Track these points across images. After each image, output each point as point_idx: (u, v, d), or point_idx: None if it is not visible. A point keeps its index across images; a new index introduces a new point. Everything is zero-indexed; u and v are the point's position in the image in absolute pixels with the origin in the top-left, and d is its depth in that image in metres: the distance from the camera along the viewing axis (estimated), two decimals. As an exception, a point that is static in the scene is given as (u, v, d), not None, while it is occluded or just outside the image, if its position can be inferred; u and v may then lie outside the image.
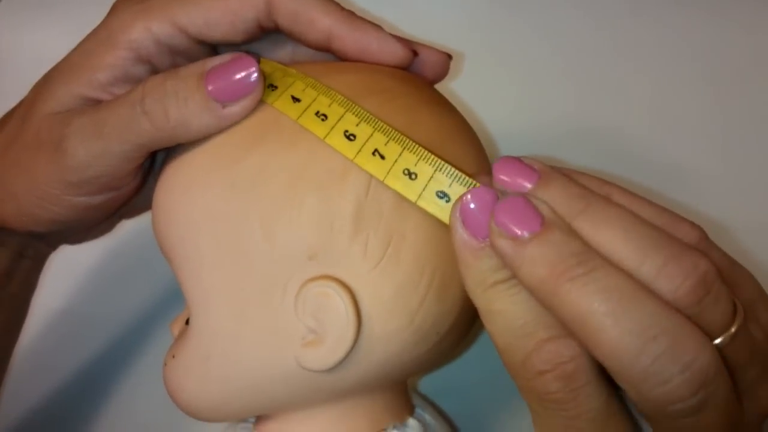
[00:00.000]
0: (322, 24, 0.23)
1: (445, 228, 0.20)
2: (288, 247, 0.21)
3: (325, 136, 0.21)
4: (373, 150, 0.21)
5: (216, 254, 0.22)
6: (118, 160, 0.23)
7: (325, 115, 0.21)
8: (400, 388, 0.27)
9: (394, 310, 0.21)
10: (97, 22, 0.38)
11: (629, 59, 0.37)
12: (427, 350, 0.23)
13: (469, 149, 0.24)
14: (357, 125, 0.21)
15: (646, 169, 0.36)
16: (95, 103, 0.23)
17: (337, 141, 0.21)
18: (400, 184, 0.20)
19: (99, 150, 0.22)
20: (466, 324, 0.24)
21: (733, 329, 0.17)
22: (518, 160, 0.20)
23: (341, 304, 0.21)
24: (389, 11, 0.38)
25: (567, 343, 0.18)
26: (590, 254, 0.17)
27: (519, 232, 0.18)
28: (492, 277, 0.19)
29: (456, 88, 0.37)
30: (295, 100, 0.22)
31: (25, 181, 0.24)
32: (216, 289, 0.22)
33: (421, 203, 0.20)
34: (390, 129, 0.21)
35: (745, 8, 0.37)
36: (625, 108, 0.37)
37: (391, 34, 0.24)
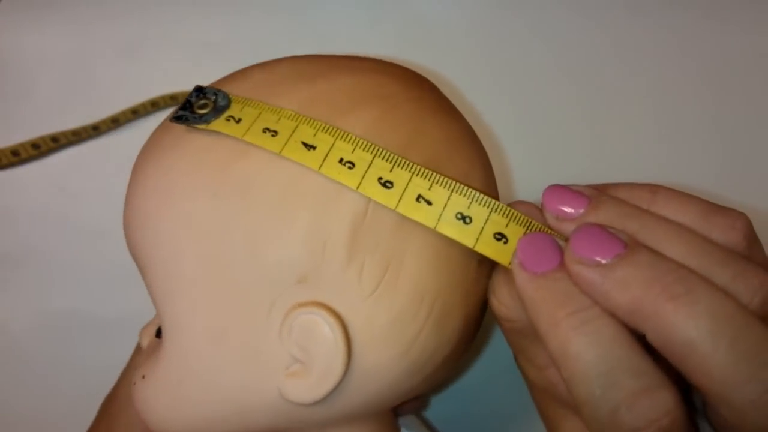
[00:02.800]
0: None
1: (447, 254, 0.19)
2: (275, 267, 0.19)
3: (320, 167, 0.19)
4: (377, 178, 0.19)
5: (195, 267, 0.20)
6: None
7: (313, 146, 0.19)
8: (388, 414, 0.25)
9: (388, 341, 0.20)
10: (97, 22, 0.38)
11: (630, 61, 0.37)
12: (422, 380, 0.21)
13: (475, 159, 0.22)
14: (353, 152, 0.19)
15: (646, 169, 0.36)
16: None
17: (334, 170, 0.19)
18: (418, 214, 0.19)
19: None
20: (462, 352, 0.23)
21: None
22: (566, 187, 0.19)
23: (330, 333, 0.19)
24: (390, 11, 0.38)
25: (663, 397, 0.16)
26: (686, 271, 0.16)
27: (603, 260, 0.17)
28: (564, 310, 0.17)
29: (458, 86, 0.37)
30: (269, 130, 0.20)
31: None
32: (193, 305, 0.20)
33: (441, 229, 0.19)
34: (391, 155, 0.19)
35: (745, 9, 0.37)
36: (627, 108, 0.37)
37: None
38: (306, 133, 0.19)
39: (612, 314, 0.17)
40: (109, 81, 0.37)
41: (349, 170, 0.19)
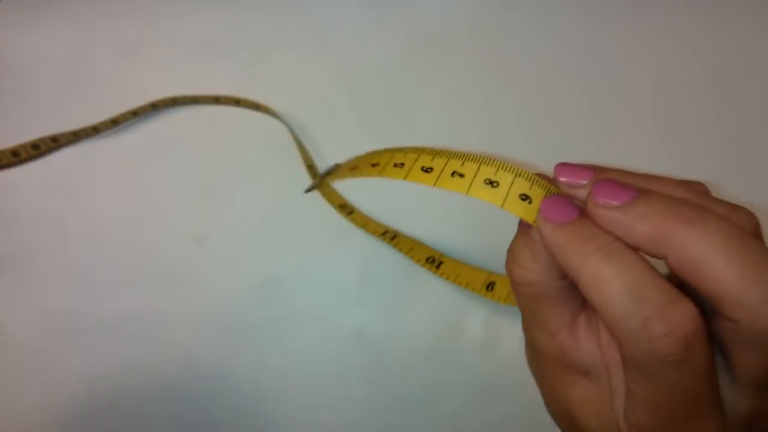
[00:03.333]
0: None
1: None
2: None
3: (406, 176, 0.23)
4: (451, 172, 0.23)
5: None
6: None
7: (402, 164, 0.23)
8: None
9: None
10: (97, 22, 0.38)
11: (631, 60, 0.37)
12: None
13: None
14: (432, 160, 0.23)
15: (649, 167, 0.36)
16: None
17: (418, 175, 0.23)
18: (485, 193, 0.22)
19: None
20: None
21: None
22: (573, 164, 0.22)
23: None
24: (393, 10, 0.38)
25: (687, 306, 0.18)
26: (694, 204, 0.19)
27: (622, 202, 0.20)
28: (591, 245, 0.20)
29: (458, 86, 0.37)
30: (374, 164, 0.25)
31: None
32: None
33: (507, 207, 0.21)
34: (463, 153, 0.23)
35: (745, 9, 0.37)
36: (628, 107, 0.37)
37: None
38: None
39: (634, 247, 0.19)
40: (109, 80, 0.37)
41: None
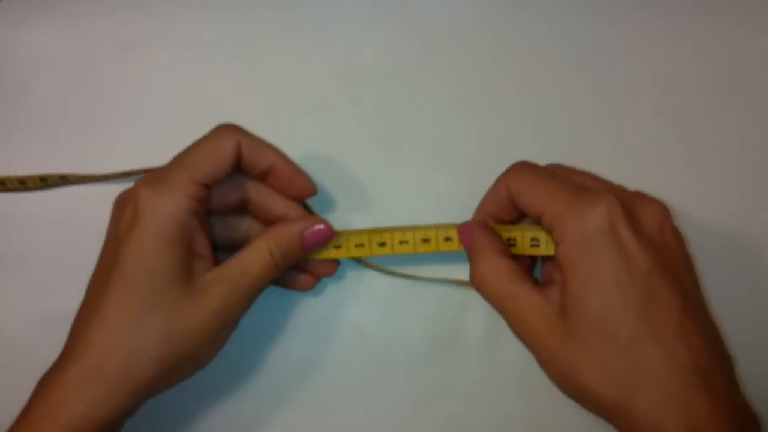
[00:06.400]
0: (268, 156, 0.30)
1: None
2: None
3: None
4: (399, 241, 0.33)
5: None
6: None
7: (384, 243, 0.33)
8: None
9: None
10: (97, 21, 0.38)
11: (635, 59, 0.37)
12: None
13: None
14: (382, 235, 0.33)
15: (648, 169, 0.36)
16: None
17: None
18: (425, 247, 0.32)
19: None
20: None
21: None
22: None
23: None
24: (393, 10, 0.38)
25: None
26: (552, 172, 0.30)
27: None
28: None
29: (458, 86, 0.37)
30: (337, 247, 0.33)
31: None
32: None
33: (441, 248, 0.32)
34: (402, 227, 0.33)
35: (746, 8, 0.37)
36: (631, 106, 0.36)
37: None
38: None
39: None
40: (108, 79, 0.37)
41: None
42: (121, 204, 0.29)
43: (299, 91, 0.36)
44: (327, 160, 0.37)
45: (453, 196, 0.36)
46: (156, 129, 0.34)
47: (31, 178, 0.36)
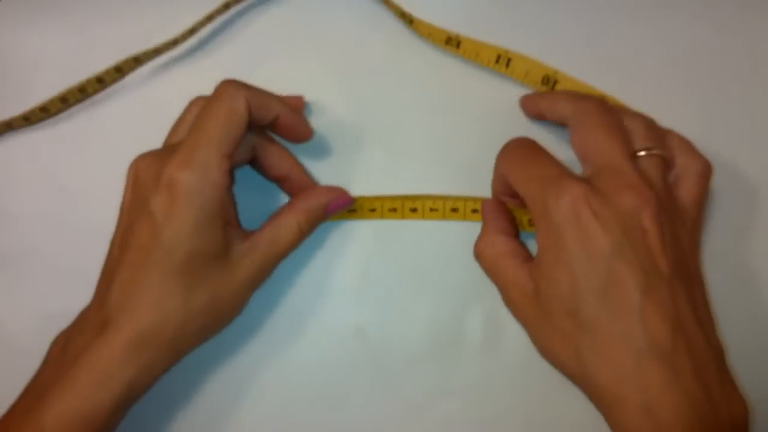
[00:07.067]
0: (274, 108, 0.32)
1: None
2: None
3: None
4: (429, 208, 0.36)
5: None
6: None
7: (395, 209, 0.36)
8: None
9: None
10: (96, 22, 0.38)
11: (632, 62, 0.37)
12: None
13: None
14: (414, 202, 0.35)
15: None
16: None
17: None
18: (453, 216, 0.35)
19: None
20: None
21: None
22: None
23: None
24: (390, 11, 0.38)
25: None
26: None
27: None
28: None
29: (460, 86, 0.37)
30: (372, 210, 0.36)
31: None
32: None
33: (468, 218, 0.35)
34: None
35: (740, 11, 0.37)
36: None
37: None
38: None
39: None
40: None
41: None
42: (144, 181, 0.29)
43: (298, 93, 0.36)
44: (323, 162, 0.37)
45: (456, 193, 0.36)
46: (155, 130, 0.34)
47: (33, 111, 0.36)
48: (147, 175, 0.29)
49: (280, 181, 0.35)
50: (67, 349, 0.28)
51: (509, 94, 0.37)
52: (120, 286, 0.28)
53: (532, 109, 0.35)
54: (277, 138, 0.34)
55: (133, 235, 0.29)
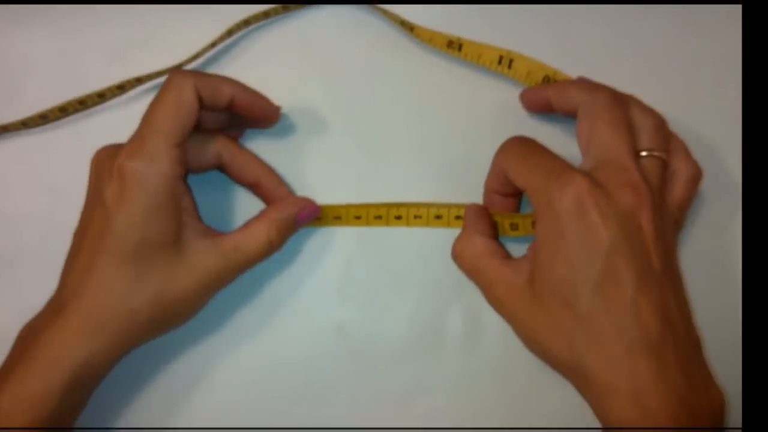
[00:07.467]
0: (227, 91, 0.32)
1: None
2: None
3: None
4: (413, 216, 0.36)
5: None
6: None
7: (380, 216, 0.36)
8: None
9: None
10: (88, 25, 0.38)
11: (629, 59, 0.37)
12: None
13: None
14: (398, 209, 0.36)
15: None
16: None
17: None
18: (436, 223, 0.36)
19: None
20: None
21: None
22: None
23: None
24: (373, 14, 0.38)
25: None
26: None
27: None
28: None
29: (444, 87, 0.38)
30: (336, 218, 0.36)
31: None
32: None
33: (451, 225, 0.35)
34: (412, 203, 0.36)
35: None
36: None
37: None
38: None
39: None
40: (97, 85, 0.37)
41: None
42: (101, 171, 0.30)
43: (285, 97, 0.36)
44: (315, 164, 0.37)
45: (439, 198, 0.36)
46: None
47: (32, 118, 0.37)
48: (102, 166, 0.30)
49: (252, 188, 0.35)
50: (29, 334, 0.30)
51: (495, 95, 0.37)
52: (75, 272, 0.30)
53: (536, 99, 0.35)
54: (274, 141, 0.35)
55: (89, 222, 0.30)
